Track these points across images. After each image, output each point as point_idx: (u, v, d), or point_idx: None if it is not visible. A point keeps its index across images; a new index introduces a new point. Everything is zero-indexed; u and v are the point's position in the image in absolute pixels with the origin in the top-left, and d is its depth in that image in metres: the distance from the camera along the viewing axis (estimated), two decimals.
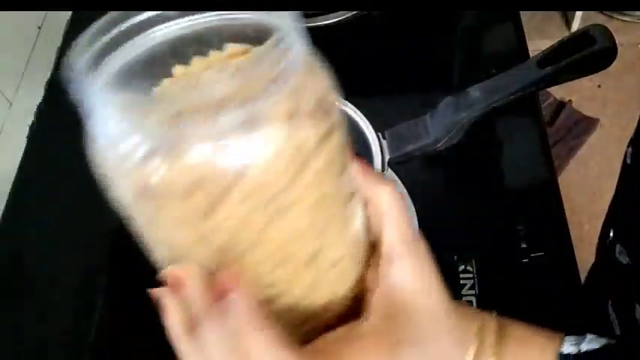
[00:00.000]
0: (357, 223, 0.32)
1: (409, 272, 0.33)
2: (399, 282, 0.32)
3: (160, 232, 0.30)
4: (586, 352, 0.34)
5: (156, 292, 0.30)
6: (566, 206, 0.70)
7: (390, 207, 0.32)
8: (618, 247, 0.56)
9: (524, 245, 0.65)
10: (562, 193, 0.72)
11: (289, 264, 0.29)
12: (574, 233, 0.69)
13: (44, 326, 0.67)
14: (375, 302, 0.31)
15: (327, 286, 0.31)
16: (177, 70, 0.30)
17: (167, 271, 0.29)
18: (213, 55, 0.30)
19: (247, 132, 0.24)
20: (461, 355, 0.33)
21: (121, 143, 0.27)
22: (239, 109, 0.24)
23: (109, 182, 0.28)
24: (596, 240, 0.76)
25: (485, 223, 0.68)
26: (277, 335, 0.28)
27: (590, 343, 0.34)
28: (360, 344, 0.30)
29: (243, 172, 0.25)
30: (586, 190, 1.58)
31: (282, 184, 0.26)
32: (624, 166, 0.56)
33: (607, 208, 0.61)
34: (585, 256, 0.80)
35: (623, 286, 0.57)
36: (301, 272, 0.29)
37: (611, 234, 0.58)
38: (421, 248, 0.35)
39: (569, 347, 0.34)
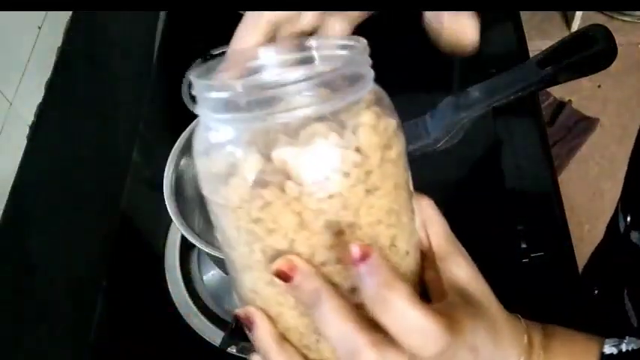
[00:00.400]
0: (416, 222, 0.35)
1: (463, 265, 0.38)
2: (458, 274, 0.37)
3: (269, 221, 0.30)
4: (627, 352, 0.35)
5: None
6: (566, 206, 0.70)
7: (432, 213, 0.38)
8: (636, 235, 0.55)
9: (524, 245, 0.65)
10: (562, 193, 0.72)
11: (376, 245, 0.30)
12: (574, 233, 0.69)
13: (44, 326, 0.67)
14: (445, 290, 0.34)
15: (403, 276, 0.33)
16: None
17: (279, 262, 0.29)
18: None
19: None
20: (518, 344, 0.37)
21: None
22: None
23: (217, 182, 0.29)
24: (597, 240, 0.76)
25: (485, 223, 0.68)
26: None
27: (630, 344, 0.36)
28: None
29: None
30: (586, 190, 1.58)
31: (374, 163, 0.29)
32: (637, 150, 0.55)
33: (607, 208, 0.60)
34: (585, 255, 0.80)
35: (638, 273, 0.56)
36: (385, 255, 0.31)
37: (628, 219, 0.57)
38: (462, 247, 0.39)
39: (609, 348, 0.36)
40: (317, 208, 0.28)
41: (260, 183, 0.27)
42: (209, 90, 0.28)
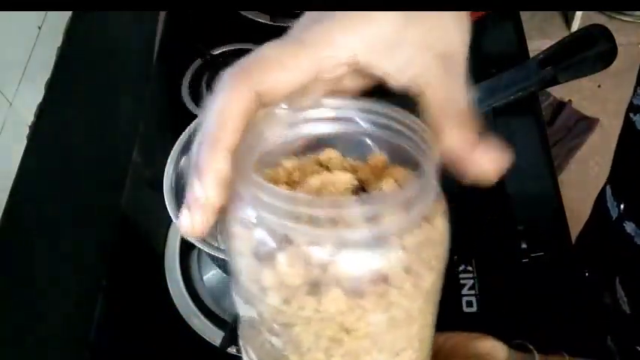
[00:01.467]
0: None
1: None
2: None
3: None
4: None
5: None
6: (566, 206, 0.70)
7: None
8: (631, 226, 0.55)
9: (524, 245, 0.65)
10: (562, 193, 0.72)
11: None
12: (574, 233, 0.69)
13: (44, 326, 0.67)
14: None
15: None
16: (287, 163, 0.30)
17: None
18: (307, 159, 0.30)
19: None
20: None
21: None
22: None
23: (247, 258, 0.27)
24: None
25: (485, 223, 0.68)
26: None
27: None
28: None
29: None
30: (586, 190, 1.58)
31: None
32: (631, 133, 0.54)
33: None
34: None
35: (636, 264, 0.55)
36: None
37: (622, 207, 0.56)
38: None
39: None
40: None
41: (358, 293, 0.26)
42: (290, 202, 0.25)
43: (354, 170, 0.30)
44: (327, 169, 0.30)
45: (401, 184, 0.28)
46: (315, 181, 0.28)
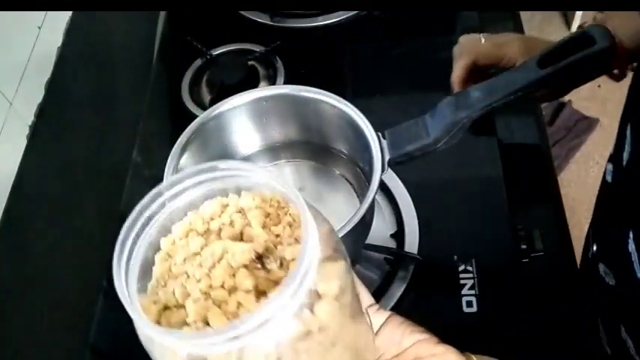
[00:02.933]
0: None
1: None
2: None
3: None
4: None
5: None
6: (566, 206, 0.70)
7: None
8: (602, 267, 0.56)
9: (524, 246, 0.65)
10: (562, 193, 0.72)
11: None
12: (574, 233, 0.69)
13: (44, 326, 0.67)
14: None
15: None
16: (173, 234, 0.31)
17: None
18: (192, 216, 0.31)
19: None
20: None
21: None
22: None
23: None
24: None
25: (485, 223, 0.68)
26: None
27: None
28: None
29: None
30: (586, 190, 1.58)
31: (335, 327, 0.29)
32: (604, 183, 0.56)
33: None
34: None
35: (608, 306, 0.56)
36: None
37: (594, 248, 0.57)
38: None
39: None
40: None
41: None
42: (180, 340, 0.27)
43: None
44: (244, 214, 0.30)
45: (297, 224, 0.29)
46: (212, 252, 0.28)
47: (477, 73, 0.71)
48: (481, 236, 0.67)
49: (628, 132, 0.47)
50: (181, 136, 0.58)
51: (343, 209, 0.63)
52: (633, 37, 0.59)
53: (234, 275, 0.27)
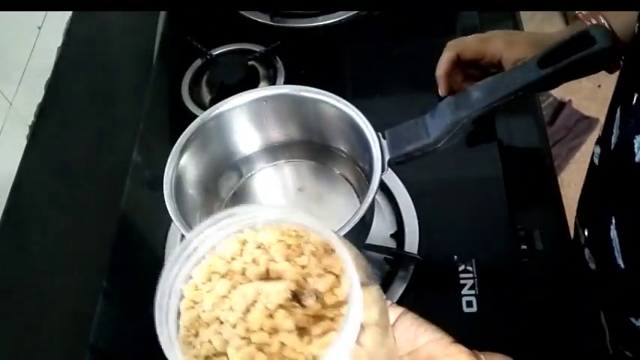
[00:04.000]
0: None
1: None
2: None
3: None
4: None
5: None
6: (566, 206, 0.70)
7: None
8: (587, 252, 0.56)
9: (524, 246, 0.65)
10: (562, 193, 0.72)
11: None
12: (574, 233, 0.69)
13: (44, 326, 0.67)
14: None
15: None
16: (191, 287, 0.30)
17: None
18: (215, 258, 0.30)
19: None
20: None
21: None
22: None
23: None
24: None
25: (485, 223, 0.68)
26: None
27: None
28: None
29: None
30: None
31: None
32: (591, 166, 0.56)
33: None
34: None
35: (591, 291, 0.57)
36: None
37: (586, 233, 0.57)
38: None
39: None
40: None
41: None
42: None
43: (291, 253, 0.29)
44: (266, 251, 0.29)
45: (338, 275, 0.29)
46: (244, 295, 0.28)
47: (463, 68, 0.72)
48: (481, 236, 0.67)
49: (617, 115, 0.46)
50: (181, 136, 0.58)
51: (343, 209, 0.63)
52: (626, 30, 0.60)
53: (271, 316, 0.27)
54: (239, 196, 0.66)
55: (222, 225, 0.30)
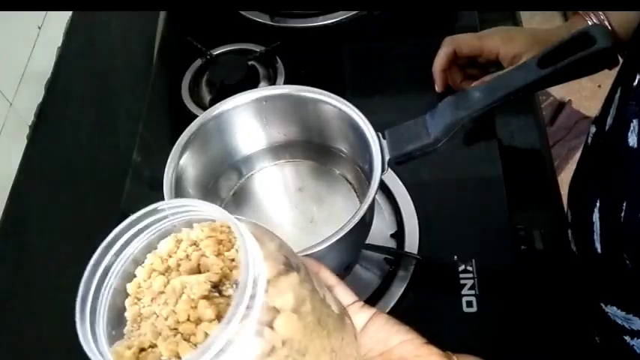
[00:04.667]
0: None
1: None
2: None
3: None
4: None
5: None
6: (566, 206, 0.70)
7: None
8: (570, 233, 0.56)
9: (524, 246, 0.65)
10: (562, 193, 0.72)
11: None
12: None
13: (44, 326, 0.67)
14: None
15: None
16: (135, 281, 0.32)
17: None
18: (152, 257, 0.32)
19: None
20: None
21: None
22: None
23: None
24: None
25: (485, 223, 0.68)
26: None
27: None
28: None
29: None
30: None
31: (299, 338, 0.30)
32: (585, 145, 0.56)
33: None
34: None
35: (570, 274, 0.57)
36: None
37: (570, 214, 0.57)
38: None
39: None
40: None
41: None
42: None
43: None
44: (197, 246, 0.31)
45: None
46: (173, 286, 0.29)
47: (462, 68, 0.73)
48: (481, 236, 0.67)
49: (617, 96, 0.46)
50: (181, 136, 0.58)
51: (343, 209, 0.63)
52: (626, 28, 0.60)
53: (195, 307, 0.28)
54: (239, 196, 0.66)
55: (146, 223, 0.32)
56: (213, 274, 0.29)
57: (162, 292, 0.30)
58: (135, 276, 0.32)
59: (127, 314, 0.31)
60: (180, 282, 0.29)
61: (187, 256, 0.31)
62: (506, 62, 0.67)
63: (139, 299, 0.31)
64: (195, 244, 0.31)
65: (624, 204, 0.40)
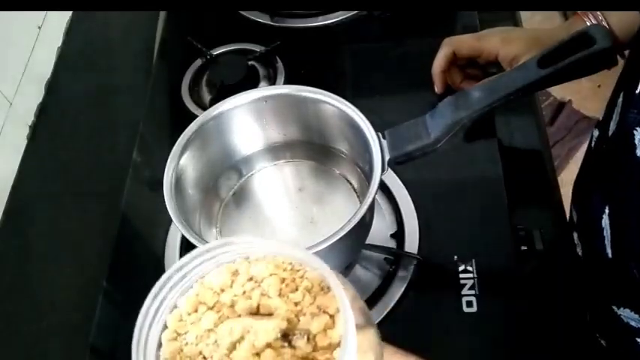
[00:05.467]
0: None
1: None
2: None
3: None
4: None
5: None
6: (566, 206, 0.70)
7: None
8: (576, 236, 0.56)
9: (524, 246, 0.65)
10: (562, 193, 0.72)
11: None
12: None
13: (44, 326, 0.67)
14: None
15: None
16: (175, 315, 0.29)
17: None
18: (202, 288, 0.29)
19: None
20: None
21: None
22: None
23: None
24: None
25: (485, 223, 0.68)
26: None
27: None
28: None
29: None
30: None
31: None
32: (589, 149, 0.56)
33: None
34: None
35: (574, 278, 0.56)
36: None
37: (575, 216, 0.57)
38: None
39: None
40: None
41: None
42: None
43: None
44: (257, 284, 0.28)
45: (333, 315, 0.27)
46: (231, 333, 0.26)
47: (462, 68, 0.73)
48: (481, 236, 0.67)
49: (620, 100, 0.46)
50: (181, 136, 0.58)
51: (343, 209, 0.63)
52: (625, 27, 0.60)
53: (257, 355, 0.25)
54: (239, 196, 0.66)
55: (213, 254, 0.28)
56: (282, 320, 0.26)
57: (211, 330, 0.27)
58: (176, 307, 0.28)
59: (162, 350, 0.28)
60: (243, 325, 0.26)
61: (245, 293, 0.28)
62: (505, 63, 0.67)
63: (179, 334, 0.28)
64: (252, 279, 0.28)
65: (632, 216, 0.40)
